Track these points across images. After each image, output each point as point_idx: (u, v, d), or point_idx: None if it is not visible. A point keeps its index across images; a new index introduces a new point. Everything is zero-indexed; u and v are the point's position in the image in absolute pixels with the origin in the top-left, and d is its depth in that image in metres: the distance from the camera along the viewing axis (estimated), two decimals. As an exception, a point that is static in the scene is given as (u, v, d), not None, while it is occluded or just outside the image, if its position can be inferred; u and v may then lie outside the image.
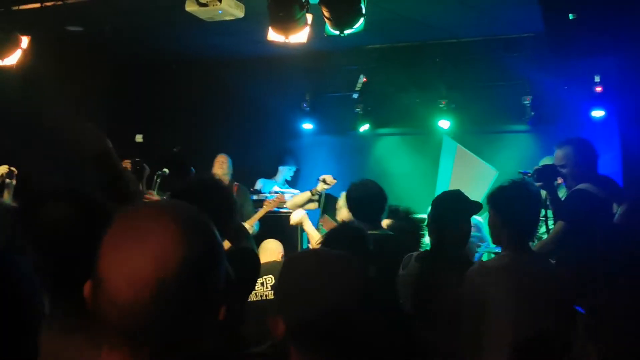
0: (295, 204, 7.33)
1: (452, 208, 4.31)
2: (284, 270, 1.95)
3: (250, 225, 7.59)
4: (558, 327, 3.58)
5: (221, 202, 3.35)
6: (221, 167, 8.47)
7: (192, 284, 1.29)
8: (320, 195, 7.07)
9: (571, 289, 3.69)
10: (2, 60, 7.40)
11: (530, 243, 4.03)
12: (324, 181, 7.02)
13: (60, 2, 7.10)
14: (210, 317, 1.35)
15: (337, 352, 1.84)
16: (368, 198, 4.85)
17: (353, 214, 4.94)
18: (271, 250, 6.22)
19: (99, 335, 1.32)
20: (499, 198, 3.90)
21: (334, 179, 7.00)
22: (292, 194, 8.12)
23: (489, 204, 3.96)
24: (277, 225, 7.94)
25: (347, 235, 3.75)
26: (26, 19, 7.28)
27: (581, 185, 4.95)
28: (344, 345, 1.84)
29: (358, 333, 1.85)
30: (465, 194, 4.51)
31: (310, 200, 7.17)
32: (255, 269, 3.66)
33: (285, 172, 9.68)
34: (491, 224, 3.93)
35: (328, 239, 3.79)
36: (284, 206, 7.86)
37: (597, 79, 8.02)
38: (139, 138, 9.55)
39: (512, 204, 3.80)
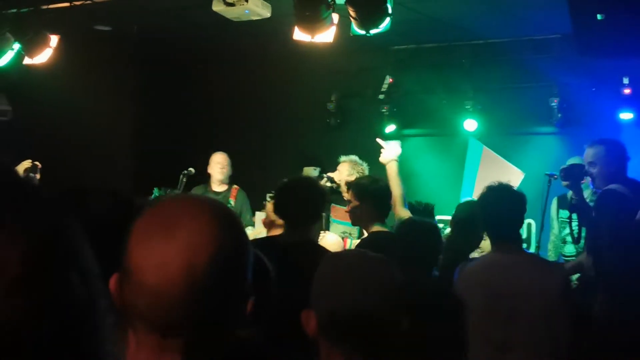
0: None
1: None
2: (322, 267, 1.97)
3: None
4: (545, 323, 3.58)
5: None
6: (221, 172, 8.19)
7: (222, 275, 1.28)
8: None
9: (560, 287, 3.70)
10: (32, 59, 7.49)
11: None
12: (332, 180, 7.06)
13: (88, 1, 7.16)
14: (239, 309, 1.34)
15: (363, 350, 1.85)
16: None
17: None
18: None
19: (124, 330, 1.29)
20: (479, 202, 4.09)
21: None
22: None
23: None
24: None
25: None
26: (55, 18, 7.36)
27: (611, 186, 4.90)
28: (371, 343, 1.85)
29: (386, 333, 1.85)
30: None
31: None
32: None
33: (309, 173, 9.68)
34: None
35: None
36: None
37: (625, 80, 7.92)
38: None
39: (490, 206, 3.95)
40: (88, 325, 0.80)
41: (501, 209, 3.88)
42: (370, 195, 5.03)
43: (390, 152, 6.08)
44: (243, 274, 1.33)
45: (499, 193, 3.98)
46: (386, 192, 5.16)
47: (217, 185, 8.24)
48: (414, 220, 4.53)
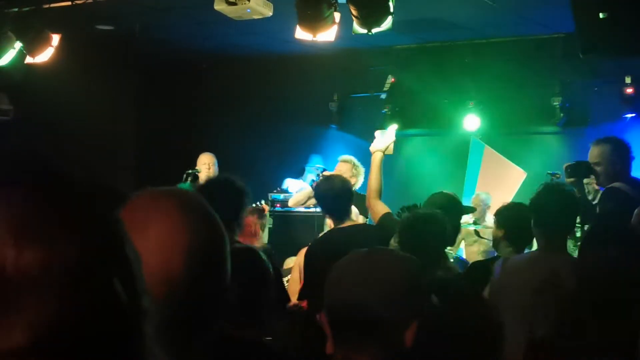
0: (298, 201, 7.48)
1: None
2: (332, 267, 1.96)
3: None
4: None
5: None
6: (208, 171, 8.05)
7: (200, 271, 1.23)
8: None
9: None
10: (34, 57, 7.48)
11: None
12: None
13: (90, 0, 7.15)
14: (221, 304, 1.30)
15: (362, 350, 1.83)
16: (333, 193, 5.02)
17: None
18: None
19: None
20: (533, 199, 4.04)
21: None
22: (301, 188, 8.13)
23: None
24: (292, 224, 8.02)
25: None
26: (57, 16, 7.35)
27: (615, 184, 4.88)
28: (369, 342, 1.83)
29: (388, 333, 1.84)
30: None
31: (310, 197, 7.26)
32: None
33: (312, 172, 9.67)
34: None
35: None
36: (288, 205, 7.90)
37: (628, 79, 7.92)
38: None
39: (543, 205, 3.91)
40: (130, 334, 0.78)
41: (552, 208, 3.88)
42: None
43: (379, 142, 5.99)
44: (222, 267, 1.29)
45: (553, 193, 4.00)
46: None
47: None
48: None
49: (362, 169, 6.93)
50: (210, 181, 4.39)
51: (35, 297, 0.70)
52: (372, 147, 5.81)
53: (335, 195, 5.02)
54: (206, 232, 1.26)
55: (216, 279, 1.28)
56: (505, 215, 4.66)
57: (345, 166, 6.98)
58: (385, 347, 1.83)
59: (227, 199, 4.05)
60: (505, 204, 4.98)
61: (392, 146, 5.97)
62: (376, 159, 5.67)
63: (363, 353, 1.83)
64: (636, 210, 3.86)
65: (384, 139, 5.97)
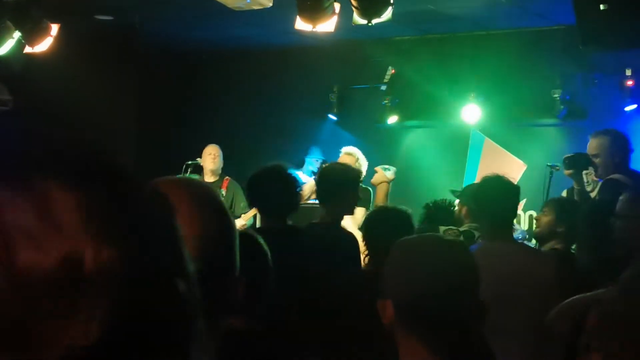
0: (303, 197, 7.41)
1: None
2: (394, 254, 1.94)
3: (245, 220, 7.50)
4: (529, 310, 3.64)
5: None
6: (213, 162, 8.24)
7: (209, 260, 1.18)
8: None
9: (555, 275, 3.76)
10: (33, 47, 7.46)
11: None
12: None
13: (89, -10, 7.14)
14: (230, 295, 1.29)
15: (442, 335, 1.82)
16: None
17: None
18: None
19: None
20: (475, 192, 4.20)
21: None
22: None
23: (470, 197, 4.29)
24: (306, 217, 7.99)
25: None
26: (56, 6, 7.33)
27: (614, 176, 4.89)
28: (452, 327, 1.82)
29: (464, 317, 1.83)
30: None
31: (313, 191, 7.23)
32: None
33: (312, 163, 9.66)
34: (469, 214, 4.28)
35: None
36: None
37: (628, 72, 7.90)
38: None
39: (486, 196, 4.02)
40: (189, 332, 0.78)
41: (498, 198, 3.95)
42: None
43: (381, 176, 6.05)
44: (231, 258, 1.28)
45: (495, 183, 4.07)
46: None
47: (209, 176, 8.26)
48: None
49: (365, 162, 6.91)
50: (264, 171, 4.40)
51: (109, 294, 0.70)
52: (376, 180, 5.86)
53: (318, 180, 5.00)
54: (215, 225, 1.25)
55: (223, 274, 1.26)
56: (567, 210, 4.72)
57: (348, 159, 6.94)
58: (466, 332, 1.84)
59: (286, 188, 4.27)
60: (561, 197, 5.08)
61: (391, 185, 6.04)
62: (382, 190, 5.81)
63: (444, 341, 1.82)
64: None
65: (386, 174, 6.00)
